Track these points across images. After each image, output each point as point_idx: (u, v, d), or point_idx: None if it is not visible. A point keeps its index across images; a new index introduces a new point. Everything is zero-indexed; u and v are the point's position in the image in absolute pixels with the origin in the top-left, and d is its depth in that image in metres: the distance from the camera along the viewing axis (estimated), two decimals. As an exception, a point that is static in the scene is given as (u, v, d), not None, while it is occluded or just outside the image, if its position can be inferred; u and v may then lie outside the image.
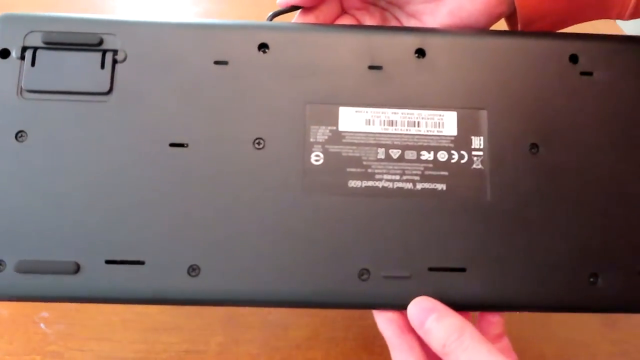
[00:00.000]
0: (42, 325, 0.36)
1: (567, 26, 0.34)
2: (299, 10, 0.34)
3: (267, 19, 0.32)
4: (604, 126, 0.30)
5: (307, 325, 0.38)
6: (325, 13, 0.34)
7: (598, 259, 0.29)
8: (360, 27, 0.33)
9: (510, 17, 0.34)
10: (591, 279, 0.29)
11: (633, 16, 0.33)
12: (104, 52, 0.29)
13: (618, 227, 0.29)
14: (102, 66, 0.29)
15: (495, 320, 0.29)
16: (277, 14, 0.32)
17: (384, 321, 0.28)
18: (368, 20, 0.36)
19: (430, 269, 0.28)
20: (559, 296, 0.28)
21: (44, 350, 0.35)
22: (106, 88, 0.29)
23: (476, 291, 0.28)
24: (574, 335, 0.39)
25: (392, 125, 0.29)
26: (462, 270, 0.28)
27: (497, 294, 0.28)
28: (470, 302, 0.28)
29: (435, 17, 0.33)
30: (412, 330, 0.28)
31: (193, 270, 0.28)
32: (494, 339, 0.29)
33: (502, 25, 0.35)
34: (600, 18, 0.34)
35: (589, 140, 0.30)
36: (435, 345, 0.26)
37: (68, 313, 0.36)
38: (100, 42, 0.29)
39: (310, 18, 0.34)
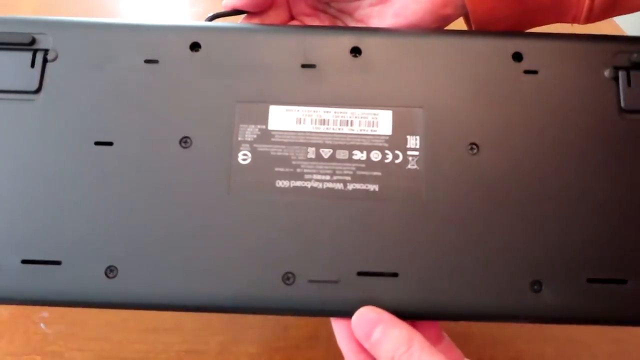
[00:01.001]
0: (42, 325, 0.36)
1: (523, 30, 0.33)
2: (244, 15, 0.33)
3: (206, 20, 0.32)
4: (549, 126, 0.28)
5: (307, 325, 0.38)
6: (272, 18, 0.34)
7: (541, 265, 0.27)
8: (294, 27, 0.33)
9: (468, 19, 0.33)
10: (534, 287, 0.27)
11: (589, 20, 0.32)
12: (35, 51, 0.29)
13: (564, 232, 0.27)
14: (32, 65, 0.29)
15: (432, 323, 0.27)
16: (217, 16, 0.32)
17: (343, 337, 0.26)
18: None
19: (360, 274, 0.27)
20: (498, 304, 0.26)
21: (44, 350, 0.35)
22: (35, 86, 0.29)
23: (408, 298, 0.26)
24: (574, 335, 0.38)
25: (323, 124, 0.28)
26: (394, 275, 0.27)
27: (430, 302, 0.26)
28: (403, 309, 0.26)
29: (382, 19, 0.33)
30: None
31: (111, 271, 0.27)
32: (435, 342, 0.27)
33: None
34: (556, 22, 0.33)
35: (533, 140, 0.28)
36: (383, 359, 0.24)
37: (68, 313, 0.36)
38: (33, 42, 0.29)
39: (255, 22, 0.33)
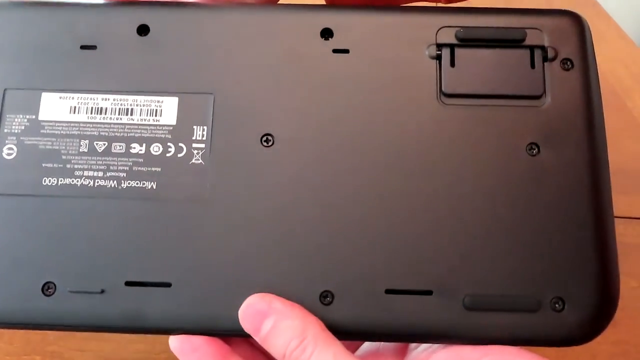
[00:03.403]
0: None
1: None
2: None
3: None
4: (356, 113, 0.25)
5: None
6: None
7: (332, 275, 0.23)
8: (75, 3, 0.29)
9: None
10: (324, 298, 0.23)
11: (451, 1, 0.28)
12: None
13: (359, 237, 0.24)
14: None
15: None
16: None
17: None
18: None
19: (128, 284, 0.24)
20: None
21: (44, 351, 0.34)
22: None
23: (183, 311, 0.23)
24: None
25: (100, 113, 0.25)
26: (167, 285, 0.24)
27: (208, 315, 0.23)
28: (174, 324, 0.23)
29: None
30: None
31: None
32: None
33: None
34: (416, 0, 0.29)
35: (337, 131, 0.25)
36: (275, 356, 0.22)
37: None
38: None
39: None
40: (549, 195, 0.24)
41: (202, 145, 0.25)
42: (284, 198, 0.24)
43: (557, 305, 0.23)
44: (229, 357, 0.23)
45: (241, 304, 0.23)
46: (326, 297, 0.23)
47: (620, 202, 0.45)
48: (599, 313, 0.23)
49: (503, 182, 0.24)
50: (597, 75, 0.25)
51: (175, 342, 0.23)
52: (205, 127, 0.25)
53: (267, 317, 0.22)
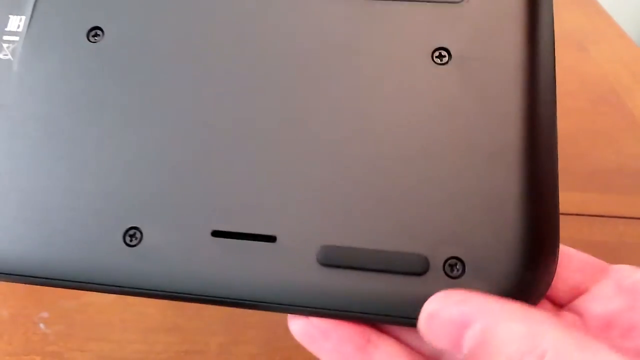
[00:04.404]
0: (41, 325, 0.34)
1: None
2: None
3: None
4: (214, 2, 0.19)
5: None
6: None
7: (143, 206, 0.17)
8: None
9: None
10: (128, 237, 0.17)
11: None
12: None
13: (180, 161, 0.17)
14: None
15: None
16: None
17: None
18: None
19: None
20: (87, 265, 0.17)
21: (43, 351, 0.34)
22: None
23: None
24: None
25: None
26: None
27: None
28: None
29: None
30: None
31: None
32: None
33: None
34: None
35: (185, 24, 0.19)
36: None
37: (68, 313, 0.35)
38: None
39: None
40: (458, 117, 0.17)
41: (16, 38, 0.19)
42: (98, 106, 0.18)
43: (453, 269, 0.15)
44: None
45: (26, 240, 0.17)
46: (132, 235, 0.17)
47: (620, 202, 0.39)
48: (516, 288, 0.15)
49: (396, 98, 0.17)
50: None
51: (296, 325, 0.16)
52: (23, 17, 0.20)
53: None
